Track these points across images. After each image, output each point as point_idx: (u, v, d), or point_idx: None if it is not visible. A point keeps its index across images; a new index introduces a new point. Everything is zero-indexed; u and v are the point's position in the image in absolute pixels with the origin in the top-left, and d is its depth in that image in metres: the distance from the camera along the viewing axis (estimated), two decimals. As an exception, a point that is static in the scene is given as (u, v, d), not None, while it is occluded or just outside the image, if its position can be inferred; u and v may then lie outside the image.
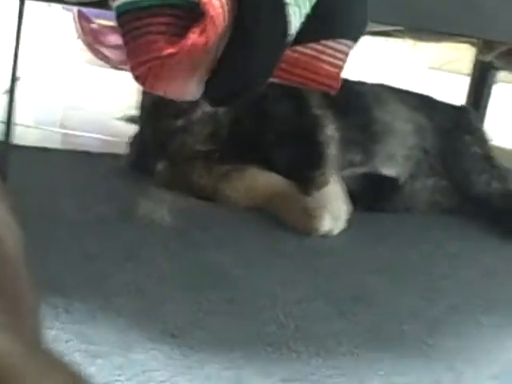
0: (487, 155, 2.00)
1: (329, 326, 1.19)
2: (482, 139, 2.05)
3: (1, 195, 0.46)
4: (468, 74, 2.88)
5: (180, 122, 1.70)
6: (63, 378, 0.39)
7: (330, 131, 1.78)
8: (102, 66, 2.83)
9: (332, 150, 1.74)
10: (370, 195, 1.82)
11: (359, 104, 1.92)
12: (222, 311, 1.17)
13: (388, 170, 1.87)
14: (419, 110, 1.98)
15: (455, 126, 2.01)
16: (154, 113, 1.75)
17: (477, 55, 2.53)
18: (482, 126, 2.09)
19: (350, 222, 1.67)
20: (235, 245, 1.47)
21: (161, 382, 0.95)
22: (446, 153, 1.95)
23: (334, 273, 1.42)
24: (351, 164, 1.83)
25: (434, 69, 5.44)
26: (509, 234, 1.80)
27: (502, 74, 2.82)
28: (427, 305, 1.34)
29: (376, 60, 5.12)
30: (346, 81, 1.93)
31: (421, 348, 1.17)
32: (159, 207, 1.54)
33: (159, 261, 1.32)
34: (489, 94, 2.71)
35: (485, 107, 2.68)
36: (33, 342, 0.43)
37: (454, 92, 2.87)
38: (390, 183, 1.87)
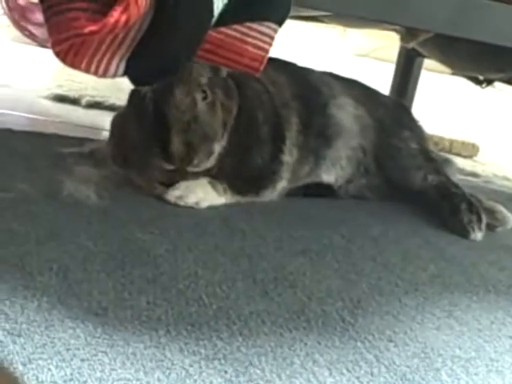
0: (424, 150, 2.03)
1: (251, 307, 1.20)
2: (419, 135, 2.07)
3: None
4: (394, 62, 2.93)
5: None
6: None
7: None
8: (28, 44, 2.78)
9: None
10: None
11: (319, 100, 1.91)
12: (144, 291, 1.17)
13: (328, 177, 1.89)
14: (363, 104, 1.98)
15: (395, 122, 2.03)
16: None
17: (400, 42, 2.57)
18: (419, 121, 2.10)
19: (272, 204, 1.70)
20: (159, 225, 1.46)
21: (83, 360, 0.95)
22: (382, 149, 1.97)
23: (257, 254, 1.43)
24: (301, 178, 1.85)
25: (361, 56, 5.51)
26: (442, 222, 1.85)
27: (426, 62, 2.87)
28: (349, 286, 1.36)
29: (304, 46, 5.15)
30: (298, 69, 1.95)
31: (343, 327, 1.19)
32: (84, 187, 1.53)
33: (83, 240, 1.32)
34: (415, 81, 2.75)
35: (411, 95, 2.72)
36: None
37: (381, 79, 2.90)
38: (327, 190, 1.89)
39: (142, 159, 1.61)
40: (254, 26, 1.27)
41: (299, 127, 1.81)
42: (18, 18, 2.88)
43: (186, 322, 1.10)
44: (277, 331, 1.14)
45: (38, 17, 2.90)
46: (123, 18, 1.04)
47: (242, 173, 1.71)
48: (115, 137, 1.71)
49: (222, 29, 1.24)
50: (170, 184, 1.62)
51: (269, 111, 1.77)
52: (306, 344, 1.11)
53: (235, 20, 1.25)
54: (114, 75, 1.18)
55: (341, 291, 1.33)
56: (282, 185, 1.78)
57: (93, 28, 1.04)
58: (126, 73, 1.18)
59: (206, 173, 1.64)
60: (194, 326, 1.10)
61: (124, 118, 1.70)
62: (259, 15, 1.27)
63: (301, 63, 2.03)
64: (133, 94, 1.64)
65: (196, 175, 1.63)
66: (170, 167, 1.56)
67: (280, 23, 1.30)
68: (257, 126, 1.74)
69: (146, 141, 1.58)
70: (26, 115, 2.16)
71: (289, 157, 1.78)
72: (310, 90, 1.90)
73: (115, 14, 1.03)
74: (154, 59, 1.17)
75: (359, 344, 1.15)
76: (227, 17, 1.22)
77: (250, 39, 1.27)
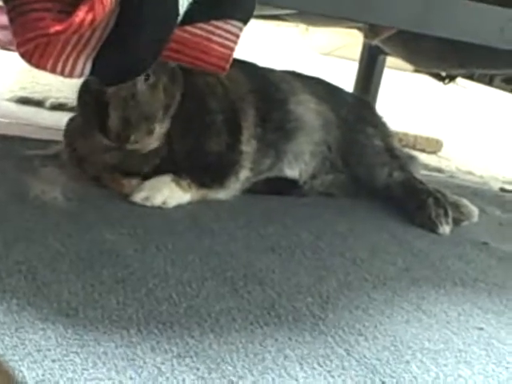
0: (389, 147, 2.04)
1: (221, 304, 1.20)
2: (383, 131, 2.08)
3: None
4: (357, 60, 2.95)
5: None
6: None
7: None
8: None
9: None
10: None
11: (277, 95, 1.92)
12: (115, 291, 1.17)
13: (291, 172, 1.90)
14: (325, 101, 1.99)
15: (359, 119, 2.04)
16: None
17: (364, 40, 2.58)
18: (383, 118, 2.11)
19: (240, 202, 1.73)
20: (127, 225, 1.46)
21: (54, 360, 0.94)
22: (347, 146, 1.98)
23: (226, 252, 1.43)
24: (263, 170, 1.86)
25: (325, 54, 5.53)
26: (409, 218, 1.87)
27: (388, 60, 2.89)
28: (317, 282, 1.37)
29: (266, 45, 5.16)
30: (257, 68, 1.96)
31: (313, 323, 1.20)
32: (50, 188, 1.52)
33: (51, 241, 1.31)
34: (378, 79, 2.77)
35: (375, 92, 2.74)
36: None
37: (345, 78, 2.92)
38: (290, 185, 1.90)
39: (88, 145, 1.63)
40: (220, 24, 1.27)
41: (256, 120, 1.82)
42: (-21, 20, 2.86)
43: (157, 321, 1.10)
44: (248, 328, 1.14)
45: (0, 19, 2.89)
46: (89, 18, 1.03)
47: (202, 162, 1.72)
48: (67, 137, 1.72)
49: (188, 27, 1.25)
50: (124, 171, 1.65)
51: (223, 102, 1.77)
52: (276, 340, 1.12)
53: (201, 18, 1.25)
54: (81, 75, 1.17)
55: (310, 287, 1.34)
56: (245, 174, 1.79)
57: (58, 28, 1.03)
58: (92, 73, 1.17)
59: (157, 156, 1.67)
60: (165, 325, 1.10)
61: (73, 118, 1.73)
62: (224, 13, 1.27)
63: (263, 63, 2.03)
64: (80, 92, 1.64)
65: (146, 160, 1.65)
66: (109, 143, 1.56)
67: (245, 21, 1.30)
68: (209, 113, 1.74)
69: (89, 124, 1.59)
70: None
71: (247, 147, 1.78)
72: (268, 86, 1.90)
73: (80, 14, 1.03)
74: (120, 58, 1.17)
75: (330, 339, 1.16)
76: (193, 15, 1.22)
77: (215, 38, 1.28)
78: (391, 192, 1.96)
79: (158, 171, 1.66)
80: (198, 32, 1.27)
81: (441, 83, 2.74)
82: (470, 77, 2.66)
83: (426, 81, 3.15)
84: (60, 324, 1.03)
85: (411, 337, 1.21)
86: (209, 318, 1.15)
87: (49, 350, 0.96)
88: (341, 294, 1.34)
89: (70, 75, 1.16)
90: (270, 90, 1.89)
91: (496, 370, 1.16)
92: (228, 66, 1.31)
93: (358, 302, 1.31)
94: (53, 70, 1.13)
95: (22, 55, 1.10)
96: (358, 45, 3.00)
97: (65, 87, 2.58)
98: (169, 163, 1.67)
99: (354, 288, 1.38)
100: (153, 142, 1.62)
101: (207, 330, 1.10)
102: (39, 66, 1.12)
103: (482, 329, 1.29)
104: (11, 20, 1.09)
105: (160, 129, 1.62)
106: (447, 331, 1.26)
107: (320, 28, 3.99)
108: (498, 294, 1.47)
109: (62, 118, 1.89)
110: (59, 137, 1.76)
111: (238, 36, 1.31)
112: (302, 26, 4.59)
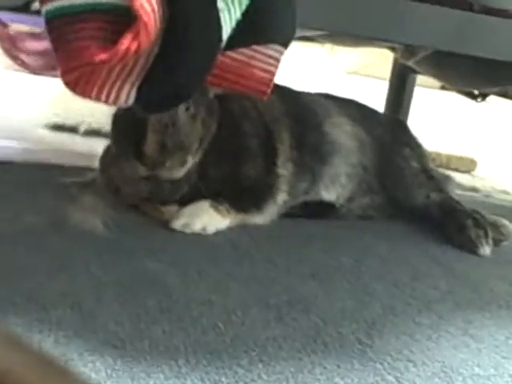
0: (425, 168, 2.03)
1: (267, 332, 1.19)
2: (419, 152, 2.07)
3: None
4: (384, 79, 2.94)
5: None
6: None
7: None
8: (20, 71, 2.78)
9: None
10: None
11: (312, 118, 1.91)
12: (160, 320, 1.16)
13: (328, 195, 1.88)
14: (360, 123, 1.97)
15: (394, 140, 2.03)
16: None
17: (398, 59, 2.57)
18: (417, 138, 2.10)
19: (277, 227, 1.72)
20: (168, 253, 1.46)
21: (105, 393, 0.94)
22: (384, 168, 1.96)
23: (268, 278, 1.42)
24: (300, 194, 1.84)
25: (352, 73, 5.52)
26: (448, 239, 1.85)
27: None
28: (362, 307, 1.35)
29: (293, 65, 5.16)
30: (291, 91, 1.95)
31: (360, 349, 1.18)
32: (90, 217, 1.52)
33: (93, 271, 1.31)
34: (409, 98, 2.76)
35: (406, 112, 2.73)
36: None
37: (372, 96, 2.91)
38: (327, 208, 1.89)
39: (121, 175, 1.63)
40: (260, 48, 1.27)
41: (292, 142, 1.81)
42: (10, 47, 2.89)
43: (205, 351, 1.09)
44: (295, 356, 1.13)
45: (29, 45, 2.91)
46: (134, 46, 1.03)
47: (239, 186, 1.71)
48: (102, 167, 1.72)
49: (229, 53, 1.24)
50: (155, 199, 1.65)
51: (258, 125, 1.77)
52: (325, 368, 1.10)
53: (242, 43, 1.25)
54: (125, 103, 1.17)
55: (354, 312, 1.32)
56: (283, 198, 1.78)
57: (103, 56, 1.03)
58: (137, 100, 1.17)
59: (187, 184, 1.65)
60: (213, 354, 1.09)
61: (107, 148, 1.73)
62: (265, 37, 1.27)
63: (289, 83, 2.02)
64: (115, 118, 1.64)
65: (177, 187, 1.65)
66: (143, 170, 1.55)
67: (286, 45, 1.30)
68: (244, 137, 1.74)
69: (122, 153, 1.59)
70: (25, 146, 2.14)
71: (284, 170, 1.77)
72: (303, 108, 1.90)
73: (126, 42, 1.03)
74: (165, 86, 1.17)
75: (378, 365, 1.14)
76: (234, 41, 1.21)
77: (256, 62, 1.27)
78: (429, 213, 1.94)
79: (189, 198, 1.65)
80: (239, 57, 1.26)
81: (473, 101, 2.72)
82: (504, 94, 2.64)
83: (453, 98, 3.12)
84: (108, 356, 1.02)
85: (460, 362, 1.19)
86: (256, 346, 1.13)
87: (100, 383, 0.95)
88: (386, 319, 1.32)
89: (115, 103, 1.16)
90: (304, 112, 1.89)
91: (549, 397, 1.14)
92: (269, 91, 1.30)
93: (403, 327, 1.30)
94: (97, 99, 1.13)
95: (67, 84, 1.10)
96: (384, 63, 2.99)
97: (97, 112, 2.59)
98: (199, 190, 1.66)
99: (399, 312, 1.36)
100: (182, 172, 1.61)
101: (255, 359, 1.09)
102: (84, 94, 1.12)
103: (532, 353, 1.27)
104: (55, 49, 1.09)
105: (192, 161, 1.61)
106: (496, 356, 1.24)
107: (347, 47, 3.98)
108: (544, 316, 1.45)
109: (96, 144, 1.89)
110: (94, 163, 1.76)
111: (278, 60, 1.30)
112: (327, 45, 4.58)
